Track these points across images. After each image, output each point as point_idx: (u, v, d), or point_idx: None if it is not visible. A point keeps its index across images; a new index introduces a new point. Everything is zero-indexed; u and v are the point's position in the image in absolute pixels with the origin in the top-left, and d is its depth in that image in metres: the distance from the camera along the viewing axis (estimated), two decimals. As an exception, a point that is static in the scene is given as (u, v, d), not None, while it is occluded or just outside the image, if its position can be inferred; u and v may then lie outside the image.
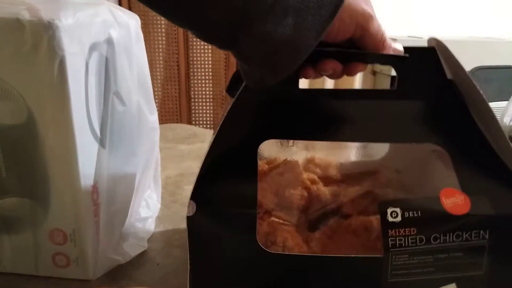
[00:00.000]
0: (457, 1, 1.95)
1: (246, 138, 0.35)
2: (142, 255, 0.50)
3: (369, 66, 0.84)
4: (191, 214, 0.34)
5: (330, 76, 0.36)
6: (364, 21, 0.32)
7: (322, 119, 0.36)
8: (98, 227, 0.44)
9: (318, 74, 0.35)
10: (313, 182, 0.44)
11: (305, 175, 0.44)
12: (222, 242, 0.34)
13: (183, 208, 0.62)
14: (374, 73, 1.68)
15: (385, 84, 1.65)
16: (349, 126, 0.36)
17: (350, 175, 0.47)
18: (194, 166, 0.79)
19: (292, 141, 0.47)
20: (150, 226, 0.54)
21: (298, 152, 0.47)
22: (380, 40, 0.34)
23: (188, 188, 0.69)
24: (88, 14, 0.40)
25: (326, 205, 0.42)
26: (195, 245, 0.34)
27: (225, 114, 0.35)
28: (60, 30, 0.36)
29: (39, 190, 0.41)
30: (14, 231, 0.43)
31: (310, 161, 0.48)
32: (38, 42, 0.36)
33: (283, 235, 0.38)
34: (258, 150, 0.35)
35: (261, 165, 0.45)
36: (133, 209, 0.50)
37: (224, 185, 0.35)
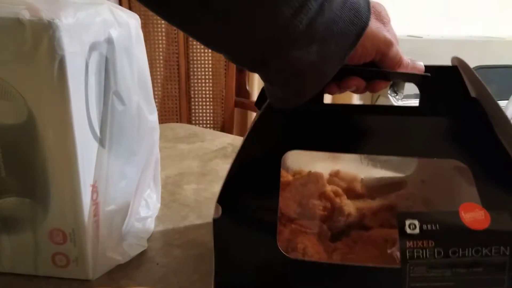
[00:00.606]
0: (457, 1, 1.95)
1: (270, 149, 0.37)
2: (141, 254, 0.50)
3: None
4: (217, 217, 0.35)
5: (353, 92, 0.38)
6: (385, 48, 0.34)
7: (345, 132, 0.37)
8: (98, 226, 0.44)
9: (343, 90, 0.37)
10: (337, 194, 0.44)
11: (329, 188, 0.45)
12: (245, 246, 0.36)
13: (182, 207, 0.62)
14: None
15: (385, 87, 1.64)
16: (372, 140, 0.37)
17: (375, 189, 0.47)
18: (193, 166, 0.79)
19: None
20: (150, 225, 0.54)
21: (323, 162, 0.48)
22: (397, 62, 0.35)
23: (188, 188, 0.69)
24: (88, 14, 0.40)
25: (348, 218, 0.42)
26: (220, 247, 0.36)
27: (252, 124, 0.37)
28: (60, 29, 0.36)
29: (39, 190, 0.41)
30: (13, 231, 0.43)
31: (334, 175, 0.49)
32: (38, 41, 0.36)
33: (303, 242, 0.39)
34: (285, 162, 0.36)
35: (286, 176, 0.46)
36: (133, 209, 0.50)
37: (248, 192, 0.36)
